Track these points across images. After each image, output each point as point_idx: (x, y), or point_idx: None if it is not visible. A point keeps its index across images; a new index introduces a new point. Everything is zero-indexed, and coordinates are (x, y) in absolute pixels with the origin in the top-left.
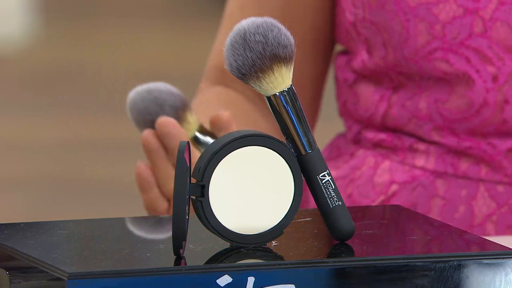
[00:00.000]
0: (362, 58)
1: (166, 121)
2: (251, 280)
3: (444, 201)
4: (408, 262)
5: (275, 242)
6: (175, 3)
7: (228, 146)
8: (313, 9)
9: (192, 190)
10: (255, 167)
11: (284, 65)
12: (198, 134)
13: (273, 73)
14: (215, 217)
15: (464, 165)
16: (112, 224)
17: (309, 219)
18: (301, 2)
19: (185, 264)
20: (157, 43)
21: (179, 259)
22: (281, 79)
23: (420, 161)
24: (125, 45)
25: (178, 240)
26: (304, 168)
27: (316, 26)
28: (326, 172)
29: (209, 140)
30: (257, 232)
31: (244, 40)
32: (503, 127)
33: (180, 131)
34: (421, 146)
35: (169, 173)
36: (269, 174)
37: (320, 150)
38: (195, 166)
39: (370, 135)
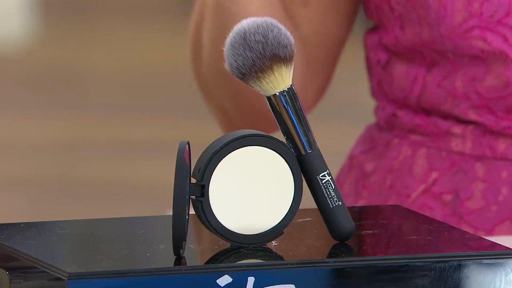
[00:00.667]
0: (395, 34)
1: None
2: (251, 280)
3: (486, 184)
4: (408, 262)
5: (275, 242)
6: (176, 4)
7: (228, 146)
8: None
9: (192, 190)
10: (255, 167)
11: (284, 65)
12: None
13: (273, 73)
14: (215, 217)
15: (501, 146)
16: (112, 224)
17: (309, 219)
18: None
19: (185, 264)
20: (157, 43)
21: (179, 259)
22: (281, 79)
23: (457, 146)
24: (125, 45)
25: (178, 240)
26: (304, 168)
27: None
28: (326, 172)
29: None
30: (257, 232)
31: (244, 40)
32: None
33: None
34: (457, 130)
35: None
36: (269, 174)
37: (351, 144)
38: (195, 166)
39: (405, 118)
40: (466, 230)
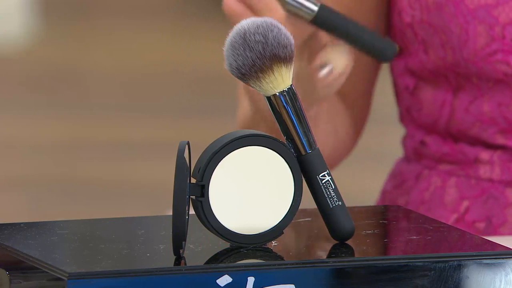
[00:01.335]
0: (419, 58)
1: None
2: (251, 280)
3: None
4: (408, 262)
5: (275, 242)
6: (176, 4)
7: (228, 146)
8: (370, 6)
9: (192, 190)
10: (255, 167)
11: (284, 65)
12: None
13: (273, 73)
14: (215, 217)
15: None
16: (112, 224)
17: (309, 219)
18: (358, 0)
19: (185, 264)
20: (157, 43)
21: (179, 259)
22: (281, 79)
23: (485, 173)
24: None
25: (178, 240)
26: (304, 168)
27: (373, 23)
28: (326, 172)
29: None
30: (257, 232)
31: (244, 40)
32: None
33: None
34: (485, 156)
35: None
36: (269, 174)
37: (383, 180)
38: (195, 166)
39: (434, 146)
40: None
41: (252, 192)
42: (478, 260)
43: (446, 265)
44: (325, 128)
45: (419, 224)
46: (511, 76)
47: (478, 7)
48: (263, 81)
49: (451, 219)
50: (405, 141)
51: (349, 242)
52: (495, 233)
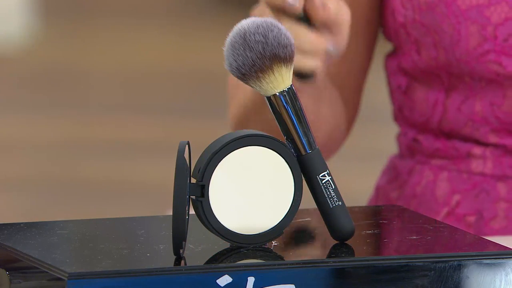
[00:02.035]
0: (412, 57)
1: None
2: (251, 280)
3: (509, 203)
4: (408, 262)
5: (275, 242)
6: (175, 3)
7: (228, 146)
8: (366, 3)
9: (192, 190)
10: (255, 167)
11: (284, 65)
12: None
13: (273, 73)
14: (215, 217)
15: None
16: (112, 224)
17: (309, 219)
18: None
19: (185, 264)
20: (157, 43)
21: (179, 259)
22: (281, 79)
23: (478, 167)
24: (125, 45)
25: (178, 240)
26: (304, 168)
27: (368, 19)
28: (326, 172)
29: None
30: (257, 232)
31: (244, 40)
32: None
33: None
34: (477, 151)
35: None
36: (269, 174)
37: (378, 176)
38: (195, 166)
39: (426, 143)
40: None
41: (252, 192)
42: (478, 260)
43: (446, 265)
44: (325, 112)
45: (419, 224)
46: (503, 76)
47: (470, 7)
48: (263, 81)
49: (442, 213)
50: (398, 138)
51: (349, 242)
52: (485, 226)
